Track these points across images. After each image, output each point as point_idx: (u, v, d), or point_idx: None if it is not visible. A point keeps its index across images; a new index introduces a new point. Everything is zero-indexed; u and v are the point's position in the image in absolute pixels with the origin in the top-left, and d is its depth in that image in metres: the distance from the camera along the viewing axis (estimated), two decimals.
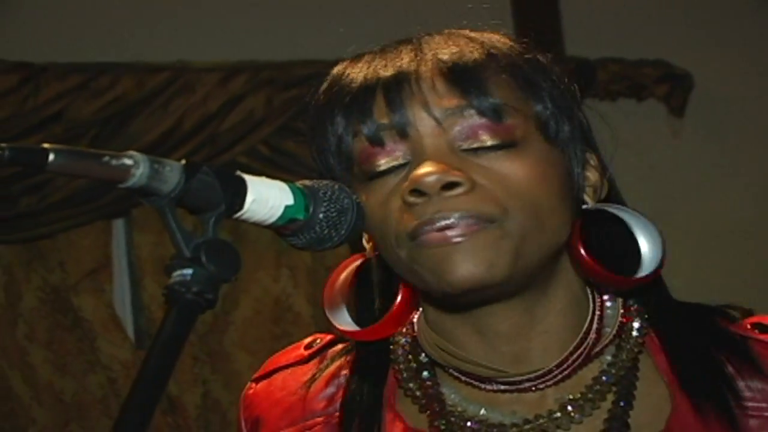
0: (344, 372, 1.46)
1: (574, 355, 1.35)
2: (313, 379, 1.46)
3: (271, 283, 4.22)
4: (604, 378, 1.35)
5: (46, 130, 3.92)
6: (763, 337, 1.37)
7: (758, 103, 4.49)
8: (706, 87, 4.44)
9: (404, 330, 1.44)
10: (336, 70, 1.36)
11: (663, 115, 4.60)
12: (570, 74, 1.39)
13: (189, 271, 1.02)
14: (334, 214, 1.16)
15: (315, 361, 1.49)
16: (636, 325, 1.38)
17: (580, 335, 1.36)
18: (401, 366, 1.42)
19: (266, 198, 1.11)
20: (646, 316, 1.39)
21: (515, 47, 1.35)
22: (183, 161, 1.06)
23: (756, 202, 4.37)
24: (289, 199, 1.13)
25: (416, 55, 1.31)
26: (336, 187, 1.17)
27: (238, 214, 1.10)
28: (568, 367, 1.35)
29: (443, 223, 1.24)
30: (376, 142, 1.30)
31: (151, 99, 4.05)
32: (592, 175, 1.38)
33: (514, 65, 1.32)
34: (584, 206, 1.36)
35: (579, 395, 1.35)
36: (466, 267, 1.24)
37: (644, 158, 4.48)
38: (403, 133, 1.28)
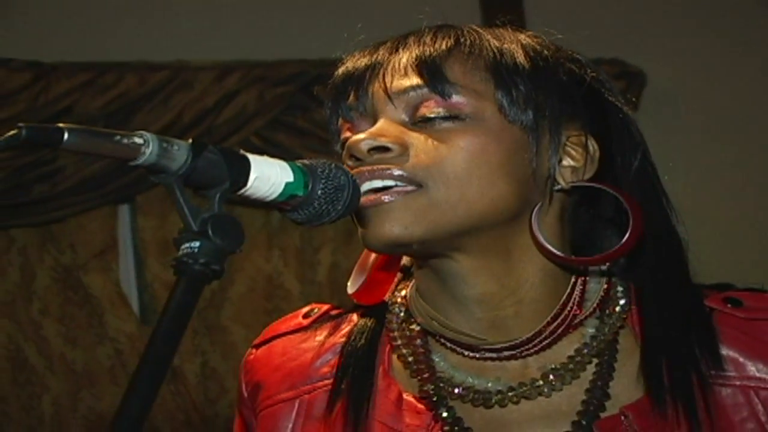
0: (342, 340, 1.43)
1: (552, 326, 1.32)
2: (312, 346, 1.44)
3: (264, 263, 4.18)
4: (585, 350, 1.32)
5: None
6: (730, 310, 1.33)
7: (709, 99, 4.45)
8: (658, 84, 4.41)
9: (399, 300, 1.42)
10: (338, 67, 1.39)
11: None
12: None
13: (197, 243, 1.00)
14: (331, 191, 1.13)
15: (313, 329, 1.46)
16: (621, 302, 1.35)
17: (557, 307, 1.33)
18: (396, 333, 1.39)
19: (268, 175, 1.08)
20: (630, 292, 1.36)
21: (511, 40, 1.35)
22: (190, 140, 1.03)
23: (709, 194, 4.30)
24: (289, 177, 1.10)
25: (392, 47, 1.33)
26: (333, 165, 1.14)
27: (242, 190, 1.07)
28: (547, 336, 1.32)
29: (373, 186, 1.26)
30: (347, 119, 1.35)
31: (153, 95, 4.00)
32: (575, 156, 1.34)
33: (483, 52, 1.31)
34: (556, 187, 1.33)
35: (560, 365, 1.32)
36: (387, 227, 1.26)
37: None
38: (364, 110, 1.33)
